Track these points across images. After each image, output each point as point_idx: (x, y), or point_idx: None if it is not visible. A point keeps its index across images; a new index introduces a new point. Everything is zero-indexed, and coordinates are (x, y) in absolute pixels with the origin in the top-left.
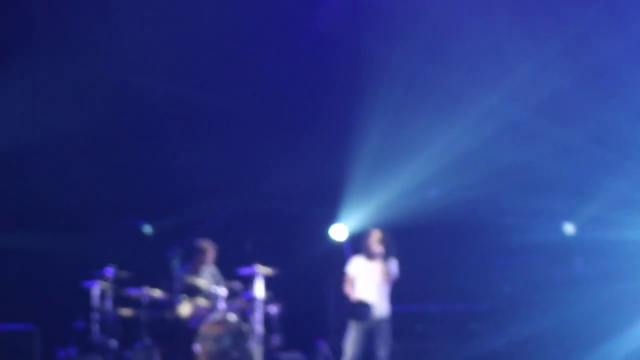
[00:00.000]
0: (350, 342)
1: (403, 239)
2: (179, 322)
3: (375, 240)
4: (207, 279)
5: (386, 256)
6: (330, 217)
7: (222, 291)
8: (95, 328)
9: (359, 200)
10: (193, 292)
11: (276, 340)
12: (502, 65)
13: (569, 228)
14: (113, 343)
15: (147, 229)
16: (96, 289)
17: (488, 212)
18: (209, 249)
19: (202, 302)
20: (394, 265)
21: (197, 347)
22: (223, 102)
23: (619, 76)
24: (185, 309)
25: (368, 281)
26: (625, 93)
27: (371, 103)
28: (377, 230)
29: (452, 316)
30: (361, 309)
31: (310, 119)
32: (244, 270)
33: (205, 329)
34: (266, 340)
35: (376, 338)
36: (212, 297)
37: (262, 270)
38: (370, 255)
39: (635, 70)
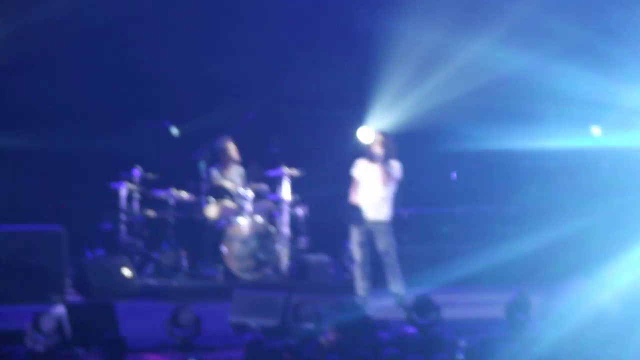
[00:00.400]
0: (354, 245)
1: (431, 142)
2: (205, 223)
3: (377, 143)
4: (233, 180)
5: (386, 159)
6: (358, 119)
7: (248, 193)
8: (123, 229)
9: (387, 103)
10: (220, 193)
11: (302, 242)
12: None
13: (595, 132)
14: (140, 244)
15: (174, 130)
16: (123, 190)
17: (514, 117)
18: (230, 147)
19: (229, 203)
20: (395, 167)
21: (224, 249)
22: (250, 3)
23: None
24: (212, 210)
25: (368, 184)
26: None
27: (398, 6)
28: (379, 133)
29: (479, 218)
30: (353, 213)
31: (338, 21)
32: (270, 172)
33: (231, 230)
34: (292, 242)
35: (376, 240)
36: (239, 199)
37: (288, 172)
38: (371, 158)
39: None
